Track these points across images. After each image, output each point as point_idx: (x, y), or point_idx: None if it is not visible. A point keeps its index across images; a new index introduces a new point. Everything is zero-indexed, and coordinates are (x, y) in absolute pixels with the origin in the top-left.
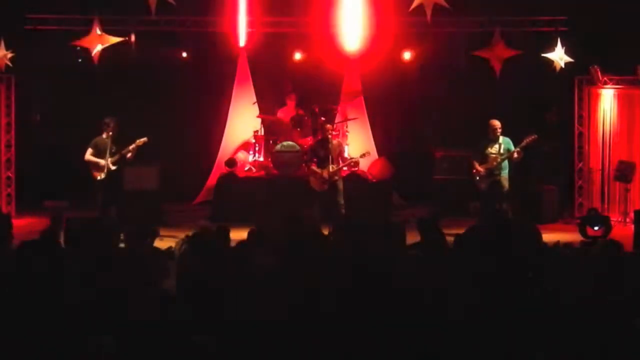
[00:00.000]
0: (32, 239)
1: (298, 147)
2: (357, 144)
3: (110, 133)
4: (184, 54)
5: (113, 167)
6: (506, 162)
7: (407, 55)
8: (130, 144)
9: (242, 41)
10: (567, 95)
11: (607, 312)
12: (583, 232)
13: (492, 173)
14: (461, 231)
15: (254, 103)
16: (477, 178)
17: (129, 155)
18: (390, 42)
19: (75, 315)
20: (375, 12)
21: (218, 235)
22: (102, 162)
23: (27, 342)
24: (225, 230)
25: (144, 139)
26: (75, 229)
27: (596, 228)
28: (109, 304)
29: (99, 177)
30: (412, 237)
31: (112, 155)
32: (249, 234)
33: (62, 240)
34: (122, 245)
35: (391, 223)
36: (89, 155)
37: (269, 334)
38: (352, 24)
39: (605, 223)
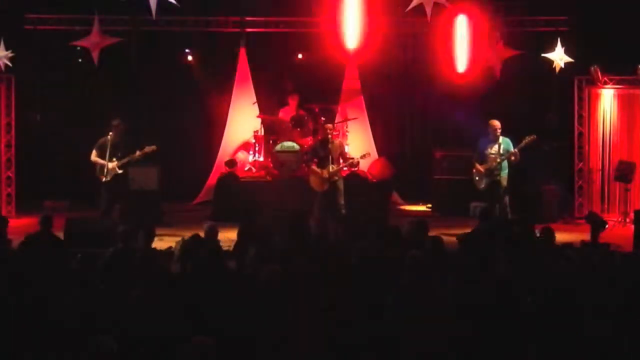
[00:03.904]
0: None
1: (298, 147)
2: (357, 144)
3: (110, 134)
4: (184, 54)
5: (120, 171)
6: (506, 162)
7: (406, 55)
8: (138, 149)
9: (243, 41)
10: (567, 95)
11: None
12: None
13: (492, 173)
14: (461, 231)
15: (254, 103)
16: (477, 178)
17: (135, 157)
18: (390, 42)
19: (74, 316)
20: (375, 12)
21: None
22: (104, 163)
23: (26, 343)
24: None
25: (153, 147)
26: (75, 230)
27: None
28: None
29: (103, 179)
30: None
31: (118, 158)
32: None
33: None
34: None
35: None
36: (94, 156)
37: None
38: (352, 24)
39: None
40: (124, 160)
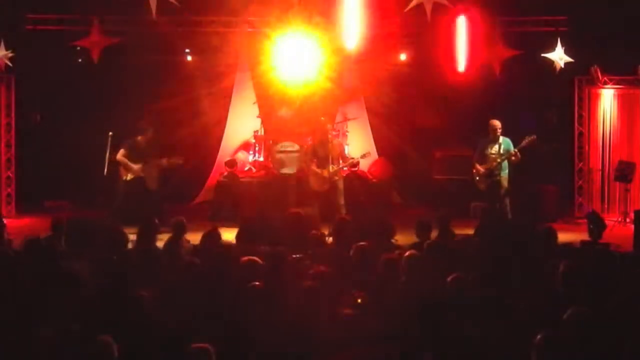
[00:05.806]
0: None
1: (298, 147)
2: (357, 144)
3: (140, 137)
4: (184, 54)
5: (142, 174)
6: (506, 162)
7: (406, 55)
8: (164, 157)
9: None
10: (567, 95)
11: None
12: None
13: (492, 173)
14: (461, 231)
15: (254, 103)
16: (477, 178)
17: (162, 165)
18: (390, 42)
19: (74, 315)
20: (375, 12)
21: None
22: (128, 164)
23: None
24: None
25: (180, 161)
26: (76, 230)
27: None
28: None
29: (124, 177)
30: None
31: (143, 162)
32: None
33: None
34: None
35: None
36: (120, 155)
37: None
38: (352, 24)
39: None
40: (151, 165)
